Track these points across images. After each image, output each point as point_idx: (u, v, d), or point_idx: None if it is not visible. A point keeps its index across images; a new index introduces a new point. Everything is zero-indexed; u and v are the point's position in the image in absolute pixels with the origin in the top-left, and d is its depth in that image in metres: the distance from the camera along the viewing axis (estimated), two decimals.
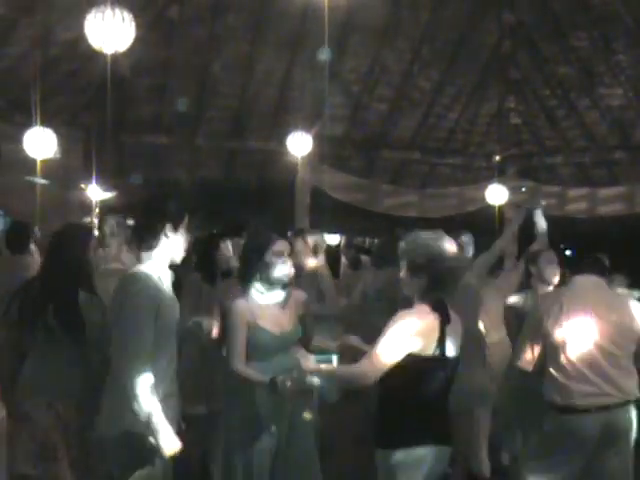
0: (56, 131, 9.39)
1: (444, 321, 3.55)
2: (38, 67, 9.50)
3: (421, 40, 12.72)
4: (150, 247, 3.61)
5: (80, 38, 6.69)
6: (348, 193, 13.78)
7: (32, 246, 6.89)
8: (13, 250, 6.80)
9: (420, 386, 3.55)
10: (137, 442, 3.42)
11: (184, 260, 6.19)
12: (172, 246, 3.66)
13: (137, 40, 6.77)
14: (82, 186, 11.82)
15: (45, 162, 9.47)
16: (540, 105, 13.86)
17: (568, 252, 15.69)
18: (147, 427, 3.37)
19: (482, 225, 11.33)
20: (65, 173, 11.63)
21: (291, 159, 11.68)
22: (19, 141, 9.23)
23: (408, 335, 3.46)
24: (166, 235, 3.60)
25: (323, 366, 3.77)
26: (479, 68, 13.46)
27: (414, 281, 3.65)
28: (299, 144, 10.99)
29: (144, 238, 3.63)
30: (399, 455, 3.52)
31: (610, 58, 12.18)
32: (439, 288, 3.60)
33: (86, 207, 11.80)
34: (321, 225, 12.91)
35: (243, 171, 14.27)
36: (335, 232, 15.63)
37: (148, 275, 3.55)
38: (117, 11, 6.40)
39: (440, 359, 3.53)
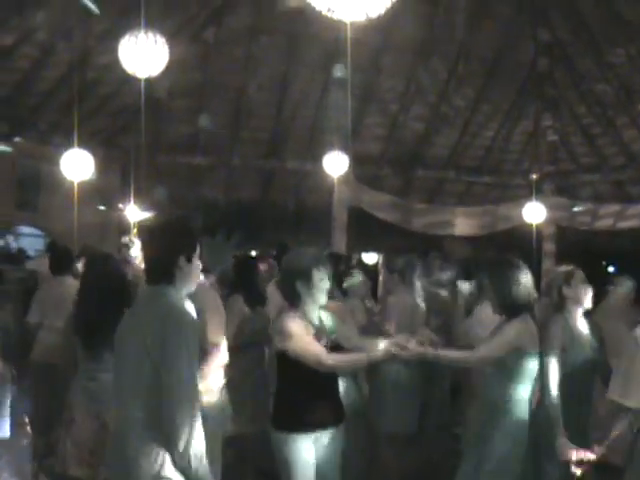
0: (93, 152, 9.48)
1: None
2: (76, 90, 9.63)
3: (456, 59, 12.74)
4: (170, 280, 3.25)
5: (116, 62, 6.77)
6: (384, 212, 13.75)
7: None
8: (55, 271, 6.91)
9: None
10: None
11: (224, 280, 6.26)
12: (188, 277, 3.35)
13: (173, 62, 6.84)
14: (120, 206, 11.96)
15: (83, 183, 9.56)
16: (577, 123, 13.77)
17: (611, 268, 15.55)
18: None
19: (518, 243, 11.27)
20: (103, 194, 11.78)
21: (327, 179, 11.66)
22: (58, 163, 9.32)
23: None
24: (180, 267, 3.27)
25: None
26: (515, 86, 13.43)
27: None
28: (335, 164, 10.95)
29: (162, 271, 3.27)
30: (297, 438, 3.87)
31: None
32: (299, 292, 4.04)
33: (124, 227, 11.90)
34: (358, 244, 12.91)
35: (280, 191, 14.34)
36: (372, 251, 15.63)
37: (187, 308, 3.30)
38: (150, 35, 6.45)
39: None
